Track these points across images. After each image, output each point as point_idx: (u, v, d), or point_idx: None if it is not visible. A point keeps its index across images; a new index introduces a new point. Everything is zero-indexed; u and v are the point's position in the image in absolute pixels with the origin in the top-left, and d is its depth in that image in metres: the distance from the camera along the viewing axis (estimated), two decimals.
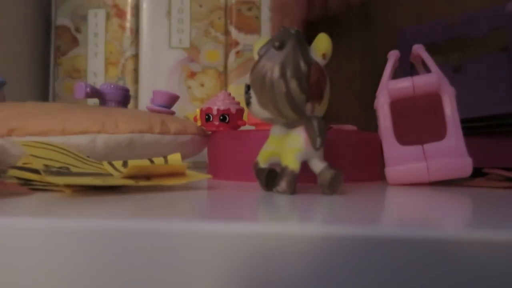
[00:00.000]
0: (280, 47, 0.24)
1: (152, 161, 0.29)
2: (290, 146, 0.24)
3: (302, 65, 0.23)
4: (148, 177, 0.25)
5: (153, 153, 0.32)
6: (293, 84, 0.23)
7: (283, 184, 0.24)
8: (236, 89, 0.52)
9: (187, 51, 0.53)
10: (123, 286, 0.15)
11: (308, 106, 0.24)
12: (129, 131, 0.32)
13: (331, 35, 0.25)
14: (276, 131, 0.26)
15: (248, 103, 0.25)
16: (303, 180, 0.25)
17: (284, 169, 0.24)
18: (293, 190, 0.24)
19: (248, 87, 0.25)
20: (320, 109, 0.24)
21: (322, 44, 0.24)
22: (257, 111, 0.25)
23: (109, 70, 0.54)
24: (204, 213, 0.18)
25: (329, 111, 0.26)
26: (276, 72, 0.23)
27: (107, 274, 0.15)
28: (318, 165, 0.24)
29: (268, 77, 0.23)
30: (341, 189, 0.24)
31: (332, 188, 0.24)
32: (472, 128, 0.42)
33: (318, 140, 0.23)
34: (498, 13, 0.41)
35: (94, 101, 0.47)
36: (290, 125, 0.25)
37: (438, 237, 0.14)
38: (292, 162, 0.24)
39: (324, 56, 0.24)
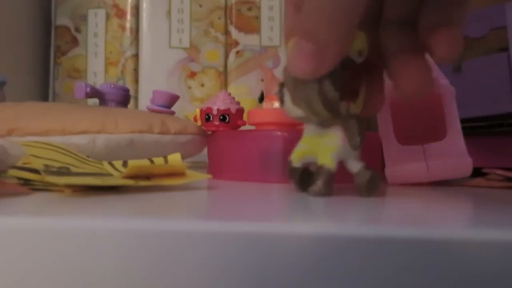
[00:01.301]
0: None
1: (152, 161, 0.29)
2: (327, 145, 0.24)
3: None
4: (148, 177, 0.25)
5: (153, 153, 0.32)
6: (326, 83, 0.22)
7: (319, 183, 0.23)
8: (236, 89, 0.52)
9: (187, 51, 0.53)
10: (123, 286, 0.15)
11: (343, 105, 0.23)
12: (129, 131, 0.32)
13: None
14: (309, 130, 0.25)
15: (281, 102, 0.25)
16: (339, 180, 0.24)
17: (320, 168, 0.23)
18: (329, 189, 0.23)
19: (281, 85, 0.24)
20: (356, 107, 0.24)
21: (358, 42, 0.23)
22: (291, 109, 0.24)
23: (109, 70, 0.54)
24: (204, 213, 0.18)
25: None
26: None
27: (107, 274, 0.15)
28: (355, 166, 0.24)
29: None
30: (378, 191, 0.24)
31: (369, 190, 0.23)
32: (472, 128, 0.42)
33: (358, 139, 0.23)
34: (498, 13, 0.41)
35: (94, 101, 0.47)
36: (324, 124, 0.24)
37: (438, 237, 0.14)
38: (328, 161, 0.23)
39: (359, 53, 0.24)
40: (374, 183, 0.23)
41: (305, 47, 0.20)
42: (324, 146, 0.24)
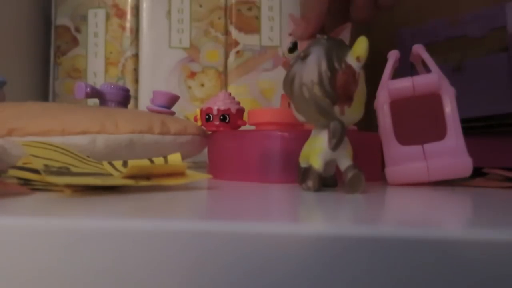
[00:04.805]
0: (305, 57, 0.25)
1: (152, 161, 0.29)
2: (315, 146, 0.26)
3: (325, 71, 0.24)
4: (148, 177, 0.25)
5: (153, 154, 0.32)
6: (316, 90, 0.24)
7: (309, 183, 0.25)
8: (236, 89, 0.52)
9: (187, 51, 0.53)
10: (123, 286, 0.15)
11: (336, 109, 0.25)
12: (129, 131, 0.32)
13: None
14: (312, 133, 0.27)
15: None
16: None
17: (309, 168, 0.25)
18: (316, 187, 0.25)
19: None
20: (352, 111, 0.25)
21: (357, 47, 0.25)
22: (296, 115, 0.27)
23: (109, 70, 0.54)
24: (204, 213, 0.18)
25: None
26: (299, 81, 0.25)
27: (107, 274, 0.15)
28: (343, 164, 0.26)
29: (294, 85, 0.25)
30: (361, 189, 0.25)
31: (352, 187, 0.25)
32: (472, 128, 0.42)
33: (333, 141, 0.25)
34: (498, 13, 0.41)
35: (94, 101, 0.47)
36: (324, 127, 0.26)
37: (438, 237, 0.14)
38: (315, 162, 0.25)
39: (358, 59, 0.25)
40: (357, 181, 0.25)
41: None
42: (313, 148, 0.26)
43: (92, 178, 0.23)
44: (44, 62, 0.57)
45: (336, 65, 0.24)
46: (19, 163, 0.24)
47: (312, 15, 0.36)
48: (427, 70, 0.34)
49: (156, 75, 0.53)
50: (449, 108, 0.31)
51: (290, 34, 0.39)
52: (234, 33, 0.53)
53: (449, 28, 0.45)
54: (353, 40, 0.25)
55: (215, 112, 0.36)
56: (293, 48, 0.38)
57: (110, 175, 0.25)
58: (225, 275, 0.15)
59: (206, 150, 0.38)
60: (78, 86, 0.39)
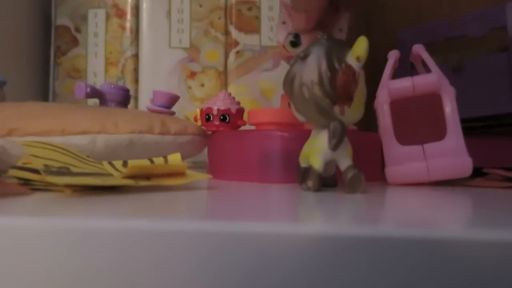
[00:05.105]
0: (305, 57, 0.25)
1: (152, 161, 0.29)
2: (315, 146, 0.26)
3: (325, 71, 0.24)
4: (148, 177, 0.25)
5: (153, 154, 0.32)
6: (316, 90, 0.24)
7: (309, 183, 0.25)
8: (236, 89, 0.52)
9: (187, 51, 0.53)
10: (123, 286, 0.15)
11: (336, 109, 0.25)
12: (129, 131, 0.32)
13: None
14: (312, 133, 0.27)
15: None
16: None
17: (309, 168, 0.25)
18: (316, 187, 0.25)
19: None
20: (352, 111, 0.25)
21: (357, 47, 0.25)
22: (296, 115, 0.27)
23: (109, 70, 0.54)
24: (204, 213, 0.18)
25: None
26: (299, 81, 0.25)
27: (107, 274, 0.15)
28: (343, 164, 0.26)
29: (294, 85, 0.25)
30: (362, 189, 0.25)
31: (352, 187, 0.25)
32: (472, 128, 0.42)
33: (333, 141, 0.25)
34: (498, 13, 0.41)
35: (94, 101, 0.47)
36: (324, 127, 0.26)
37: (438, 237, 0.14)
38: (315, 162, 0.25)
39: (358, 59, 0.25)
40: (357, 181, 0.25)
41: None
42: (313, 148, 0.26)
43: (92, 178, 0.23)
44: (44, 62, 0.57)
45: (336, 65, 0.24)
46: (19, 163, 0.24)
47: (313, 7, 0.36)
48: (427, 70, 0.34)
49: (156, 75, 0.53)
50: (449, 108, 0.31)
51: (284, 23, 0.38)
52: (234, 33, 0.53)
53: (449, 28, 0.45)
54: (353, 40, 0.25)
55: (215, 112, 0.36)
56: (296, 42, 0.38)
57: (110, 175, 0.25)
58: (225, 275, 0.15)
59: (206, 150, 0.38)
60: (78, 86, 0.39)
